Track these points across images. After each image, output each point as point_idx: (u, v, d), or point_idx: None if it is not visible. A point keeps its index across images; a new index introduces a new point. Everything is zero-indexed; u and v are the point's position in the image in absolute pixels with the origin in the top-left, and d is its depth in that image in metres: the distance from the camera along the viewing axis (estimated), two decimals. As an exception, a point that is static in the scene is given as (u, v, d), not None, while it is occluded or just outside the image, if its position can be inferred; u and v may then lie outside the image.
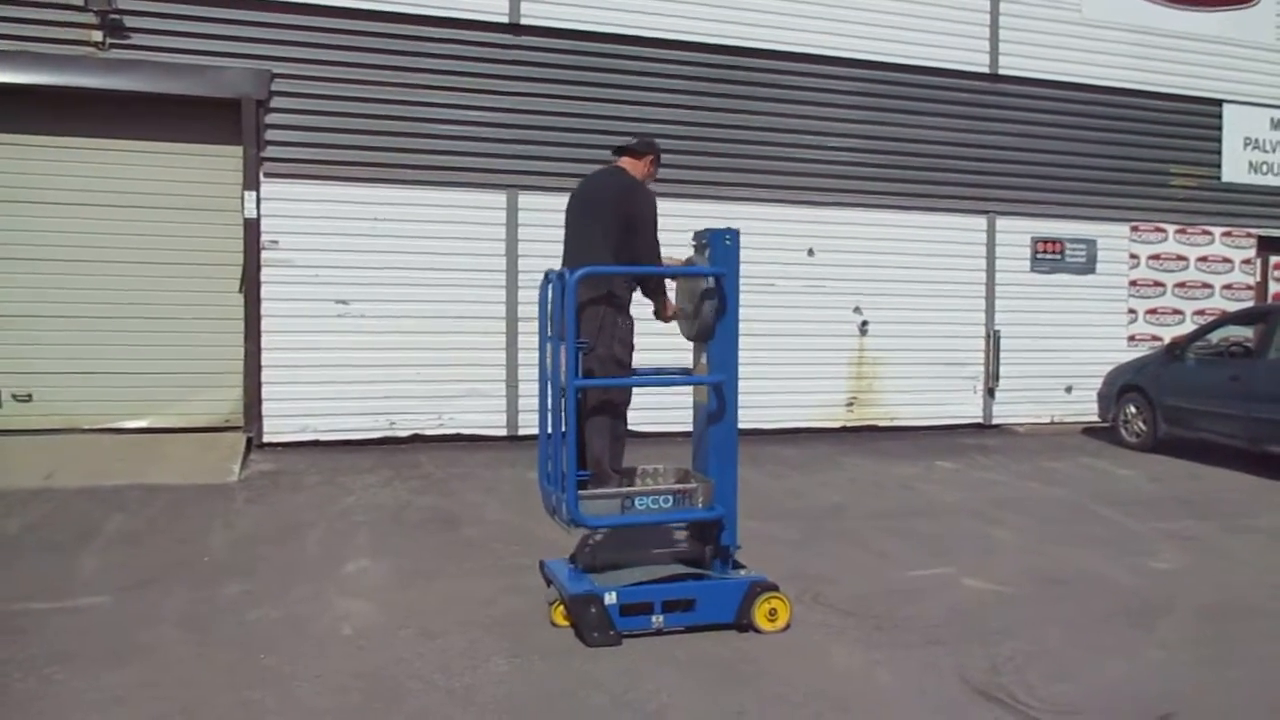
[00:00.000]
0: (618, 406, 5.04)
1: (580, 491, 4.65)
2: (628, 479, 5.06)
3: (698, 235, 4.91)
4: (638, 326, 5.10)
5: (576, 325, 4.63)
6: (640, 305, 5.13)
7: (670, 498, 4.78)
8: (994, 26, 11.77)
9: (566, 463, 4.59)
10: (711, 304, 4.73)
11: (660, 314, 5.26)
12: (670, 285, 5.28)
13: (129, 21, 9.06)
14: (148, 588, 5.39)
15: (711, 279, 4.72)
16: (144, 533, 6.57)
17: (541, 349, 5.00)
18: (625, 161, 5.31)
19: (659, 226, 5.07)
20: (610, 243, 4.96)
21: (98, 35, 8.96)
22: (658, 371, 5.67)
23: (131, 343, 9.44)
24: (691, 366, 5.14)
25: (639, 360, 5.18)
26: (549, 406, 4.83)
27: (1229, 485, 8.86)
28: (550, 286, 4.82)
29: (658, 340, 5.59)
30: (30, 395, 9.27)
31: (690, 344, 5.11)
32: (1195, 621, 5.14)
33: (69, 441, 8.95)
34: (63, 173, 9.25)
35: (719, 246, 4.73)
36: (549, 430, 4.83)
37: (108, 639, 4.61)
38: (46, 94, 9.04)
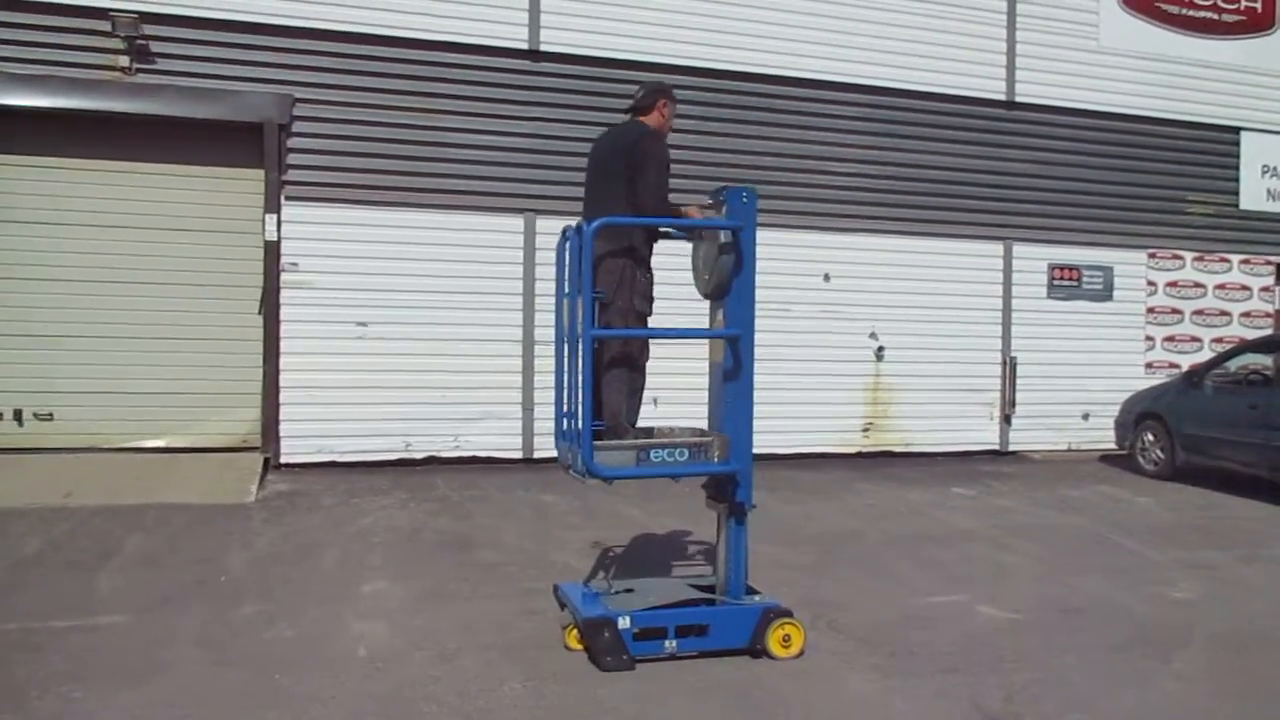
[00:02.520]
0: (635, 360, 5.02)
1: (596, 443, 4.61)
2: (643, 437, 4.99)
3: (714, 194, 4.92)
4: (658, 286, 5.12)
5: (594, 278, 4.62)
6: (660, 270, 5.15)
7: (686, 451, 4.74)
8: (1010, 54, 11.82)
9: (582, 414, 4.57)
10: (728, 259, 4.74)
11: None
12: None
13: (155, 47, 9.21)
14: (165, 607, 5.43)
15: (728, 234, 4.73)
16: (162, 552, 6.62)
17: (558, 304, 5.01)
18: (641, 117, 5.28)
19: (669, 173, 5.01)
20: (625, 196, 4.93)
21: (124, 60, 9.12)
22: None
23: (151, 363, 9.54)
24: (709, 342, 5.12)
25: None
26: (565, 362, 4.84)
27: (1248, 514, 8.80)
28: (568, 242, 4.83)
29: (677, 304, 5.61)
30: (51, 414, 9.37)
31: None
32: (1213, 652, 5.11)
33: (89, 460, 9.04)
34: (87, 194, 9.40)
35: (736, 203, 4.74)
36: (565, 385, 4.83)
37: (126, 658, 4.65)
38: (73, 118, 9.20)
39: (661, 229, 5.14)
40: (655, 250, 5.13)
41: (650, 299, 5.05)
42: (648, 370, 5.12)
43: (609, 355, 4.93)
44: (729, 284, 4.79)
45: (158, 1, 9.17)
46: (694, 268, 5.08)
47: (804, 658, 4.76)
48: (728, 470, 4.78)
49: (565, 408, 4.84)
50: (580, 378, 4.61)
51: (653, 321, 5.17)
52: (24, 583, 5.85)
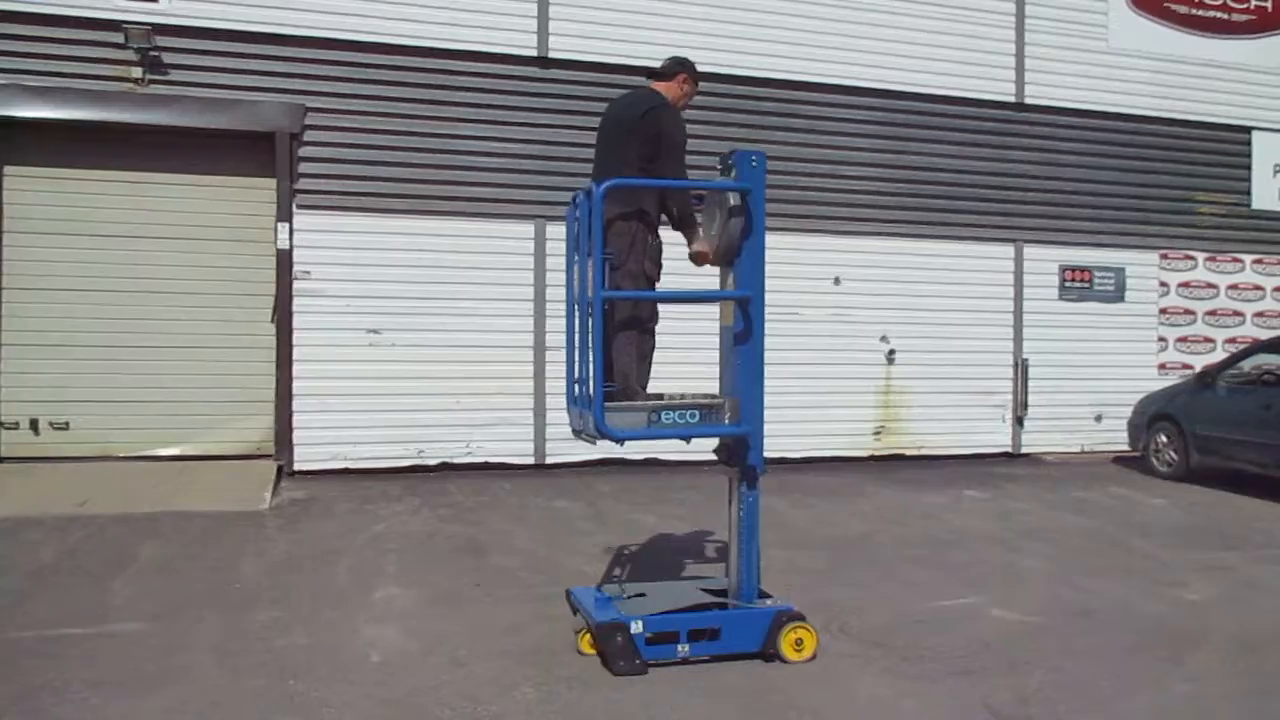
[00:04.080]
0: (645, 323, 5.03)
1: (607, 404, 4.59)
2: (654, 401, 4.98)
3: (723, 158, 4.91)
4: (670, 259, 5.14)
5: (604, 241, 4.61)
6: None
7: (697, 413, 4.72)
8: (1019, 56, 11.81)
9: (594, 376, 4.55)
10: (737, 222, 4.74)
11: (692, 249, 5.14)
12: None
13: (167, 58, 9.29)
14: (180, 614, 5.46)
15: (737, 196, 4.73)
16: (177, 559, 6.65)
17: (569, 270, 5.02)
18: (658, 85, 5.32)
19: (685, 151, 5.06)
20: (637, 162, 4.96)
21: (137, 72, 9.19)
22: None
23: (166, 371, 9.61)
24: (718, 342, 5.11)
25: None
26: (576, 327, 4.84)
27: (1262, 515, 8.75)
28: (579, 207, 4.83)
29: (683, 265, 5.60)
30: (67, 423, 9.43)
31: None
32: (1227, 653, 5.09)
33: (104, 469, 9.10)
34: (101, 205, 9.48)
35: (745, 166, 4.73)
36: (576, 351, 4.84)
37: (141, 665, 4.67)
38: (86, 129, 9.28)
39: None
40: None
41: (659, 264, 5.07)
42: (657, 335, 5.13)
43: (618, 319, 4.92)
44: (739, 247, 4.78)
45: (170, 13, 9.26)
46: (705, 234, 5.10)
47: (816, 661, 4.76)
48: (739, 433, 4.76)
49: (576, 374, 4.85)
50: (591, 341, 4.61)
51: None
52: (40, 590, 5.89)
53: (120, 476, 8.92)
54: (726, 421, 4.78)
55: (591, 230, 4.51)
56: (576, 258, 4.88)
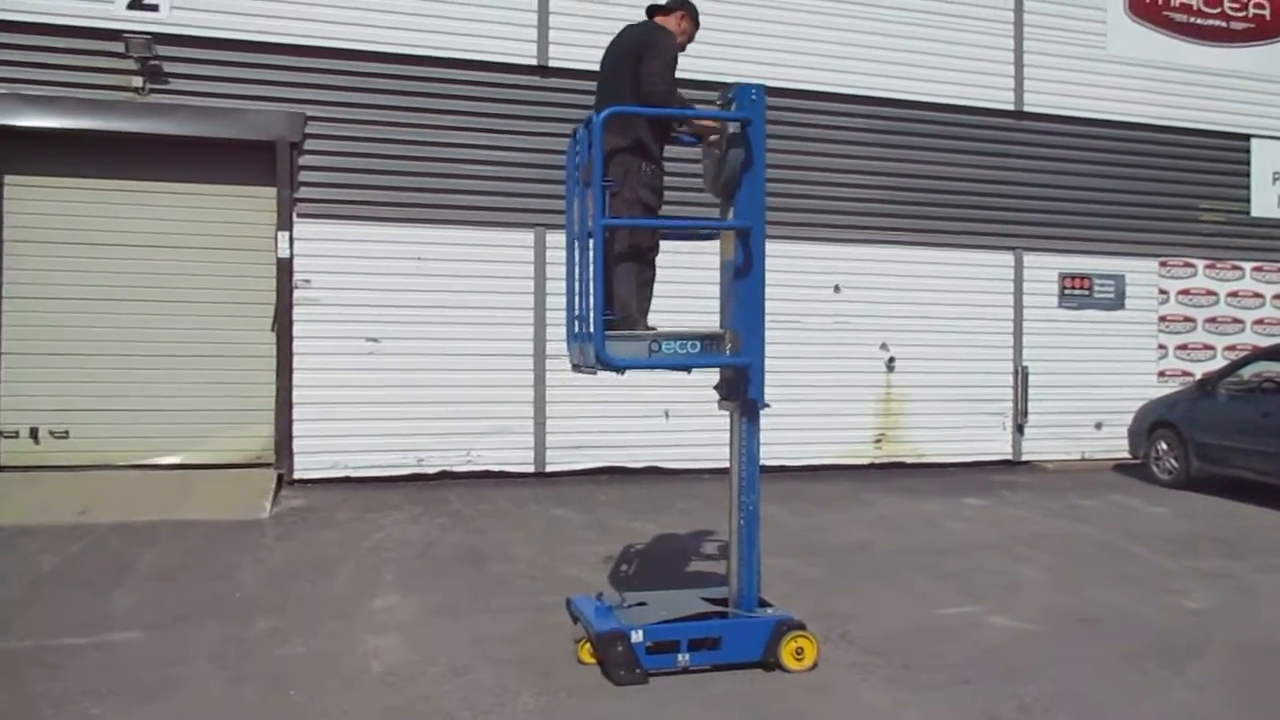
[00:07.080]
0: (644, 252, 5.05)
1: (608, 333, 4.59)
2: None
3: (722, 92, 4.92)
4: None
5: (604, 170, 4.62)
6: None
7: (698, 343, 4.73)
8: (1018, 64, 11.83)
9: (594, 305, 4.55)
10: (737, 153, 4.74)
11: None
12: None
13: (168, 67, 9.30)
14: (180, 623, 5.46)
15: (737, 126, 4.73)
16: (176, 568, 6.65)
17: (569, 203, 5.03)
18: (658, 18, 5.35)
19: (675, 69, 5.05)
20: (635, 95, 4.97)
21: (138, 81, 9.21)
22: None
23: (165, 380, 9.59)
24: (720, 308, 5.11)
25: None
26: (576, 261, 4.84)
27: (1263, 523, 8.75)
28: (579, 140, 4.82)
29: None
30: (67, 432, 9.42)
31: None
32: (1227, 662, 5.08)
33: (103, 478, 9.08)
34: (101, 214, 9.48)
35: (745, 99, 4.74)
36: (576, 286, 4.83)
37: (141, 674, 4.67)
38: (87, 138, 9.28)
39: (673, 131, 5.18)
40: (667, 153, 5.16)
41: (656, 191, 5.09)
42: (658, 265, 5.16)
43: (618, 249, 4.94)
44: (739, 179, 4.79)
45: (170, 22, 9.27)
46: (705, 170, 5.12)
47: (817, 670, 4.76)
48: (740, 363, 4.76)
49: (576, 309, 4.86)
50: (591, 271, 4.61)
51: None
52: (40, 599, 5.89)
53: (120, 485, 8.90)
54: (728, 353, 4.78)
55: (592, 159, 4.52)
56: (577, 191, 4.88)
